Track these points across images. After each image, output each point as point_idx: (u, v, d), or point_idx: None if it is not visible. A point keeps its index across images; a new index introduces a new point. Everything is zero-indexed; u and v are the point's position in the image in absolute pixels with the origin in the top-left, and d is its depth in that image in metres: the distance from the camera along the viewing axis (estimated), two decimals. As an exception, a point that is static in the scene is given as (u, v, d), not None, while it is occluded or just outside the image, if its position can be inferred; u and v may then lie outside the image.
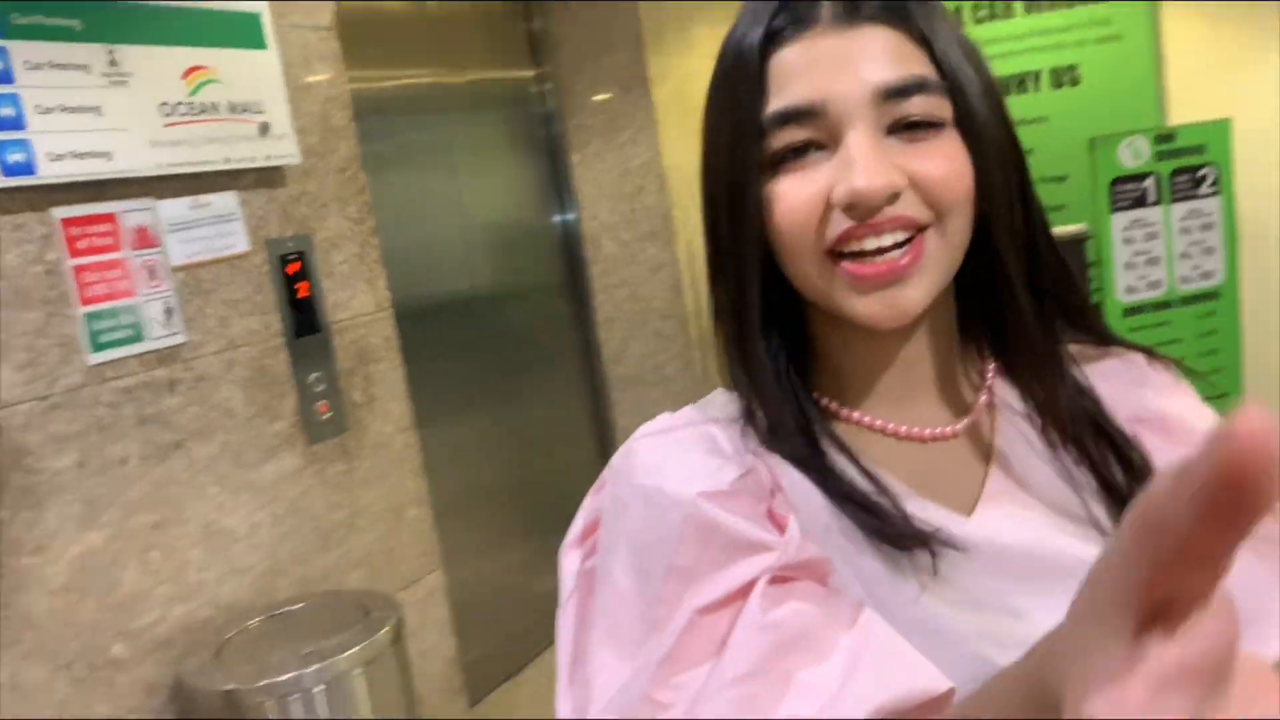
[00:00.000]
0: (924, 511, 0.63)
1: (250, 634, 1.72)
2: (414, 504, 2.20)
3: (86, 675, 1.58)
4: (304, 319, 1.99)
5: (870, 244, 0.60)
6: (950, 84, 0.62)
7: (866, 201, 0.58)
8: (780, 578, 0.57)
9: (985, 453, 0.68)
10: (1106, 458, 0.66)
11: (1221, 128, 3.41)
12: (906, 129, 0.61)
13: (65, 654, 1.56)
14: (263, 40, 1.97)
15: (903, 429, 0.68)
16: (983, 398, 0.70)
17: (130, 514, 1.67)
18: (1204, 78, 3.90)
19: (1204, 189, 3.44)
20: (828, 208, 0.60)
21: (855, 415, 0.68)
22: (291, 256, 1.98)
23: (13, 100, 1.56)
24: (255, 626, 1.74)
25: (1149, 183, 3.40)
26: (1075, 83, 4.05)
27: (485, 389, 2.87)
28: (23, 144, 1.57)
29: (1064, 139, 3.79)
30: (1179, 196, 3.43)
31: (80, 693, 1.57)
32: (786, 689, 0.52)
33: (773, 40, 0.62)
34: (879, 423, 0.68)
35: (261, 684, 1.54)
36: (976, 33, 3.88)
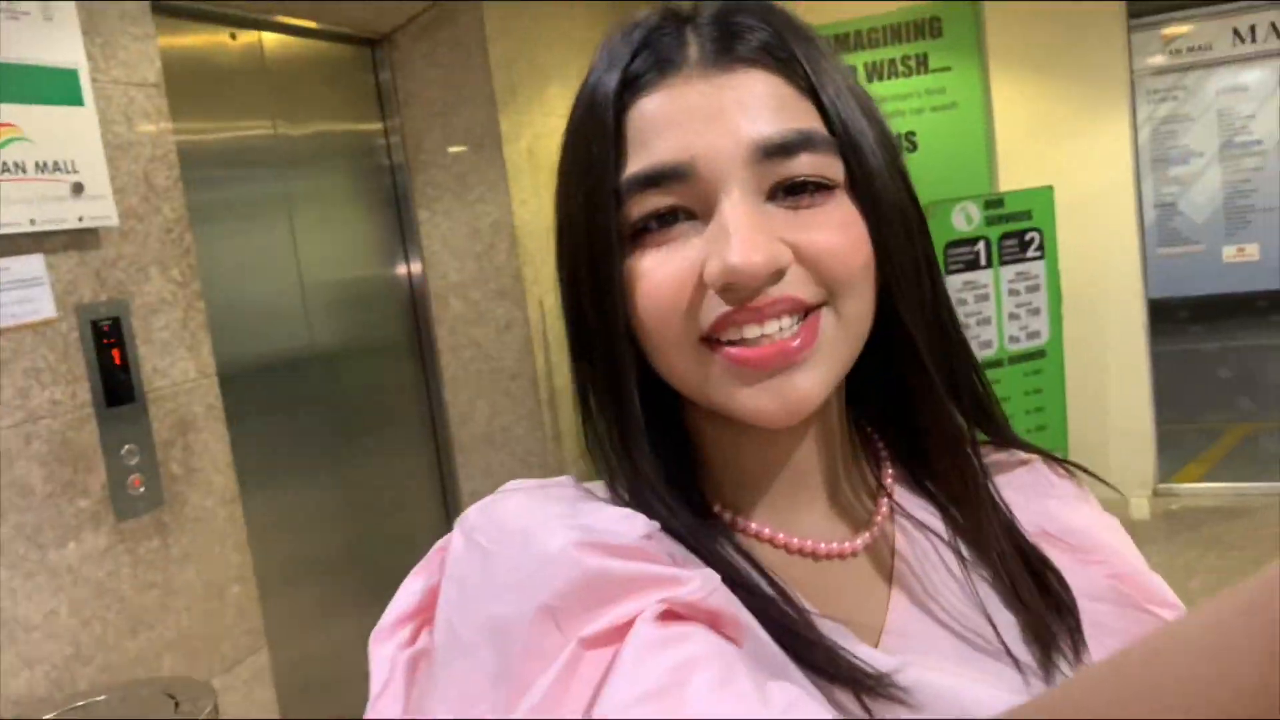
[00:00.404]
0: (836, 636, 0.53)
1: (44, 730, 1.60)
2: (237, 580, 2.10)
3: None
4: (118, 388, 1.89)
5: (751, 332, 0.51)
6: (842, 139, 0.53)
7: (745, 281, 0.49)
8: (676, 614, 0.46)
9: (886, 572, 0.59)
10: (1024, 579, 0.58)
11: (1045, 194, 3.63)
12: (791, 193, 0.52)
13: None
14: (80, 97, 1.89)
15: (794, 541, 0.58)
16: (883, 508, 0.61)
17: (-95, 606, 1.54)
18: (1030, 146, 4.16)
19: (1030, 252, 3.65)
20: (700, 288, 0.51)
21: (740, 522, 0.58)
22: (105, 322, 1.88)
23: None
24: (50, 722, 1.62)
25: (980, 246, 3.58)
26: (913, 149, 4.27)
27: (323, 453, 2.77)
28: None
29: (902, 203, 3.99)
30: (1007, 259, 3.63)
31: None
32: (703, 710, 0.41)
33: (631, 88, 0.53)
34: (766, 531, 0.58)
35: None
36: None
